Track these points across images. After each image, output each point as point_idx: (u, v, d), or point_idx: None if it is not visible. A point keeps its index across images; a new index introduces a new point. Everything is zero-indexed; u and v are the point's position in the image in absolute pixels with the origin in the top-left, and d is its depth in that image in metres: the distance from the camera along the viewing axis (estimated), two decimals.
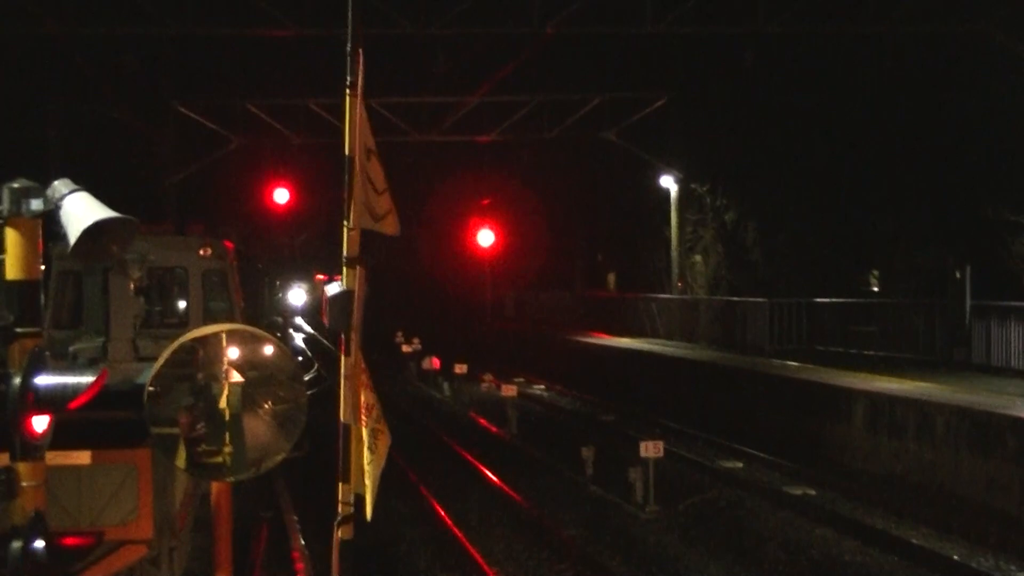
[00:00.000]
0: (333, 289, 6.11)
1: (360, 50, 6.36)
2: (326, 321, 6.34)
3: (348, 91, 6.25)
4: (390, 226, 7.08)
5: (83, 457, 8.10)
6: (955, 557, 19.90)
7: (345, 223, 6.36)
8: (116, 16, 37.17)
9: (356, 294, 6.18)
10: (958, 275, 32.26)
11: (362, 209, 6.45)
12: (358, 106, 6.21)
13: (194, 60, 50.86)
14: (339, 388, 6.11)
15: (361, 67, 6.32)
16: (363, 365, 6.53)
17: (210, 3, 37.19)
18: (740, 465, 29.21)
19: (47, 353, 5.26)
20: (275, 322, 54.80)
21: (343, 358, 6.19)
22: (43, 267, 5.47)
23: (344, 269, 6.37)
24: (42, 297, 5.48)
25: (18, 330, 5.23)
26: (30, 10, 34.96)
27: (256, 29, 37.76)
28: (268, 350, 5.98)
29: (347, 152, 6.11)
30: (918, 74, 43.37)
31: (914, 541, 20.88)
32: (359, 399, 6.43)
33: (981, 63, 39.95)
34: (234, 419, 5.91)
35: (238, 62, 52.41)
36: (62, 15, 35.58)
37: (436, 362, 50.25)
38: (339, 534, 6.70)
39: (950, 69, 42.23)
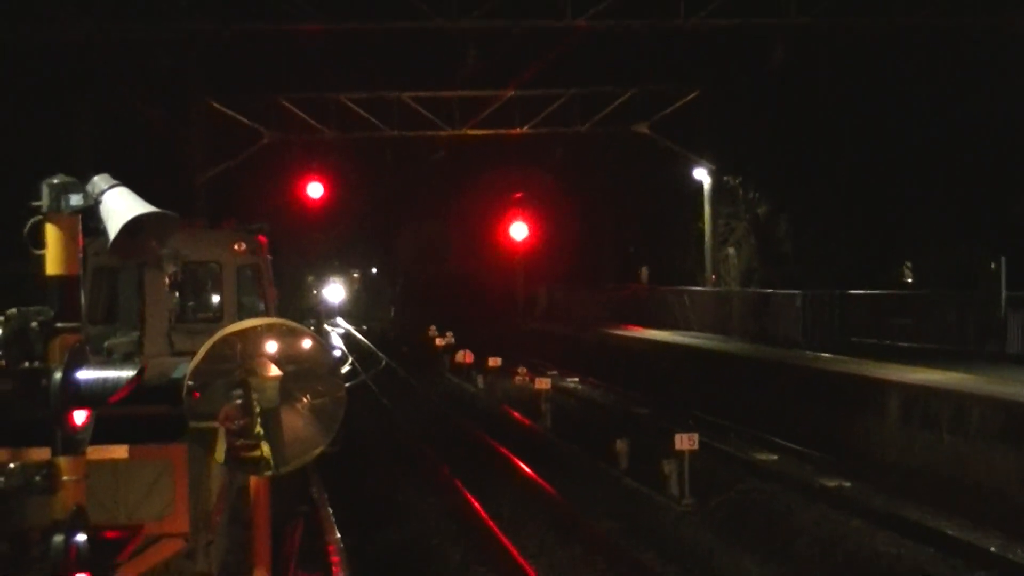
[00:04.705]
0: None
1: None
2: None
3: None
4: None
5: (120, 452, 8.14)
6: (992, 549, 19.83)
7: None
8: (147, 13, 37.29)
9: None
10: (993, 266, 32.10)
11: None
12: None
13: (225, 56, 50.97)
14: None
15: None
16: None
17: None
18: (774, 458, 29.14)
19: (87, 348, 5.29)
20: (308, 323, 54.89)
21: None
22: None
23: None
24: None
25: (58, 325, 5.25)
26: (62, 9, 35.09)
27: (287, 24, 37.79)
28: (306, 344, 5.98)
29: None
30: (950, 68, 43.17)
31: (949, 533, 20.82)
32: None
33: (1013, 57, 39.76)
34: (272, 413, 5.91)
35: (269, 57, 52.51)
36: (93, 13, 35.68)
37: (469, 356, 50.25)
38: None
39: (981, 63, 42.03)
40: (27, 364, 5.12)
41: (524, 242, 71.14)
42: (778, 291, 44.29)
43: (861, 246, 48.89)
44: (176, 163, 50.49)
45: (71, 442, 5.19)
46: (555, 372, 48.70)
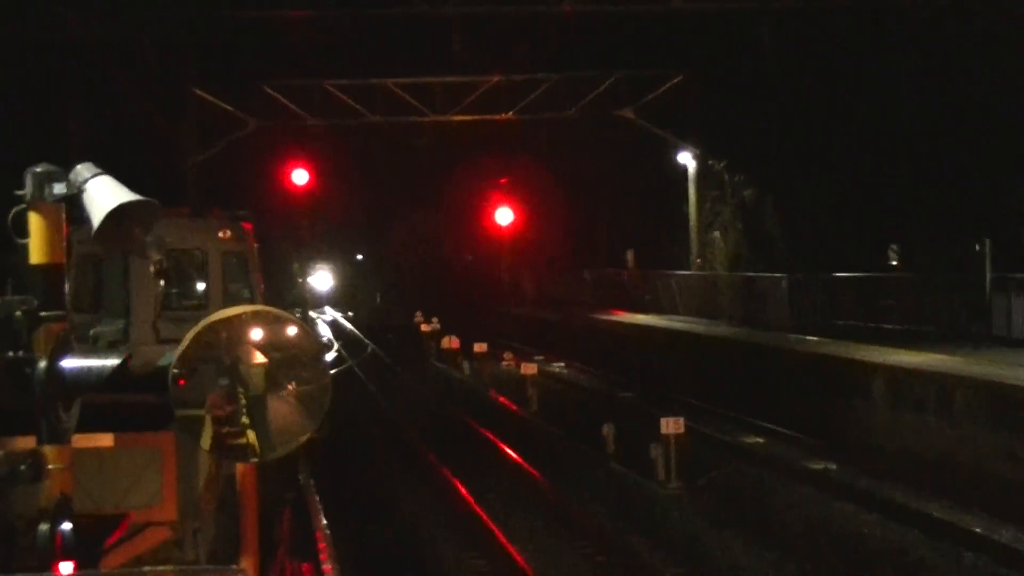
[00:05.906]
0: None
1: None
2: None
3: None
4: None
5: (106, 440, 8.13)
6: (976, 530, 19.90)
7: None
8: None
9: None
10: (978, 248, 32.13)
11: None
12: None
13: (210, 42, 50.85)
14: None
15: None
16: None
17: None
18: (761, 441, 29.22)
19: (72, 337, 5.29)
20: (295, 311, 54.78)
21: None
22: None
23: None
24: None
25: (43, 314, 5.25)
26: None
27: (272, 10, 37.70)
28: (291, 331, 5.97)
29: None
30: (939, 50, 43.09)
31: (935, 514, 20.88)
32: None
33: (1003, 41, 39.71)
34: (258, 400, 5.91)
35: (253, 44, 52.38)
36: (79, 1, 35.54)
37: (455, 342, 50.24)
38: None
39: (971, 45, 41.96)
40: (12, 353, 5.12)
41: (510, 227, 71.14)
42: (764, 274, 44.31)
43: (848, 228, 48.84)
44: (164, 149, 50.35)
45: (56, 431, 5.20)
46: (541, 357, 48.72)
